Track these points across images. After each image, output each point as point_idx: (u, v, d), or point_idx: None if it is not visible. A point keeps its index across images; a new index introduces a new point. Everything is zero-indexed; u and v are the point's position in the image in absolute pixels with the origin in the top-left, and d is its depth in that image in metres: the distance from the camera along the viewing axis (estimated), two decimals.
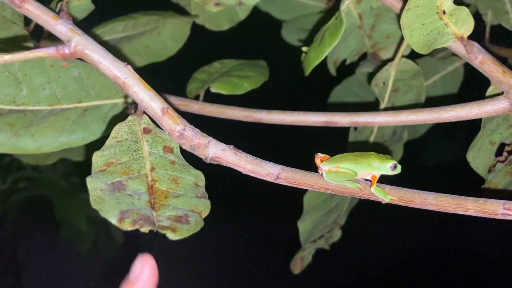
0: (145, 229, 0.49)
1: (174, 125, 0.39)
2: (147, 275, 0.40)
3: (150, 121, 0.45)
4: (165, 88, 0.73)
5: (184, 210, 0.51)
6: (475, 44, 0.57)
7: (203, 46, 0.99)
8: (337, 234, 0.88)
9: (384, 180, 0.48)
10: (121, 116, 0.57)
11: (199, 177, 0.50)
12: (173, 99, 0.62)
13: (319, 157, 0.46)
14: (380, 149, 0.69)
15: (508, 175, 0.73)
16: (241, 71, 0.73)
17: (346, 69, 0.90)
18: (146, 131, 0.45)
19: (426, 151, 1.58)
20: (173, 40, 0.86)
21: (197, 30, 0.86)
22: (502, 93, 0.55)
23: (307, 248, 0.84)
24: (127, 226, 0.48)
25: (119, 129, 0.44)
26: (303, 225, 0.76)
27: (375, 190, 0.44)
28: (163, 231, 0.50)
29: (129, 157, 0.46)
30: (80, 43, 0.39)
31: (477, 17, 1.03)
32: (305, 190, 0.74)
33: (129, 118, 0.44)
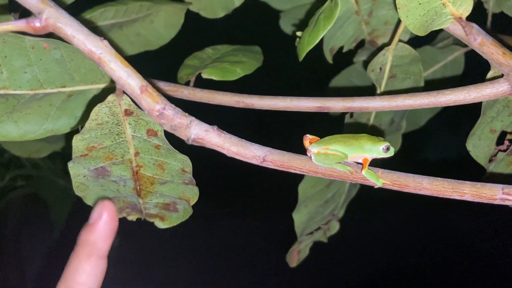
0: (132, 217, 0.47)
1: (153, 103, 0.38)
2: (105, 219, 0.39)
3: (131, 102, 0.43)
4: (158, 77, 0.71)
5: (171, 197, 0.49)
6: (474, 25, 0.55)
7: (198, 34, 0.97)
8: (335, 227, 0.86)
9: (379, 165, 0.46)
10: None
11: (185, 163, 0.48)
12: (162, 85, 0.60)
13: (307, 139, 0.44)
14: (374, 132, 0.67)
15: (510, 165, 0.71)
16: (234, 57, 0.71)
17: (344, 57, 0.88)
18: (127, 113, 0.43)
19: (428, 144, 1.56)
20: (167, 28, 0.84)
21: (192, 18, 0.84)
22: (502, 76, 0.53)
23: (304, 240, 0.82)
24: None
25: (99, 111, 0.43)
26: (299, 216, 0.74)
27: (367, 173, 0.42)
28: (151, 220, 0.48)
29: (112, 141, 0.44)
30: (52, 15, 0.37)
31: (478, 5, 1.01)
32: (300, 180, 0.72)
33: (108, 98, 0.42)
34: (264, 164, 0.40)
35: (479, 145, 0.67)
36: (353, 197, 0.87)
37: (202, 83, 0.68)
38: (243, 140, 0.40)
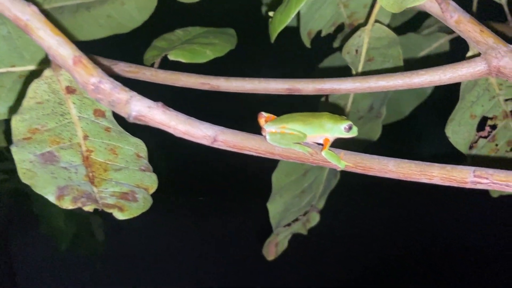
0: (88, 208, 0.44)
1: (87, 76, 0.34)
2: None
3: (72, 78, 0.39)
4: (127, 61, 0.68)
5: (128, 185, 0.46)
6: (451, 2, 0.52)
7: (173, 17, 0.94)
8: (315, 218, 0.83)
9: None
10: None
11: (139, 147, 0.45)
12: (122, 66, 0.57)
13: (263, 117, 0.41)
14: (337, 111, 0.64)
15: (492, 153, 0.68)
16: (205, 39, 0.68)
17: (326, 43, 0.85)
18: (69, 90, 0.40)
19: (416, 136, 1.53)
20: (139, 11, 0.80)
21: (167, 0, 0.81)
22: (479, 55, 0.50)
23: (281, 232, 0.79)
24: (67, 204, 0.44)
25: (37, 88, 0.39)
26: (274, 207, 0.71)
27: (327, 155, 0.39)
28: (109, 210, 0.45)
29: (56, 123, 0.41)
30: None
31: None
32: (274, 168, 0.69)
33: (45, 73, 0.39)
34: (216, 145, 0.37)
35: (458, 131, 0.65)
36: (334, 188, 0.84)
37: (170, 67, 0.65)
38: (192, 118, 0.37)
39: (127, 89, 0.35)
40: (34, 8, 0.33)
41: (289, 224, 0.78)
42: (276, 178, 0.68)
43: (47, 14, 0.72)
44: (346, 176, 0.85)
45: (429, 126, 1.40)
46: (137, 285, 1.38)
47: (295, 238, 0.83)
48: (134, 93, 0.35)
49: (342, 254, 1.27)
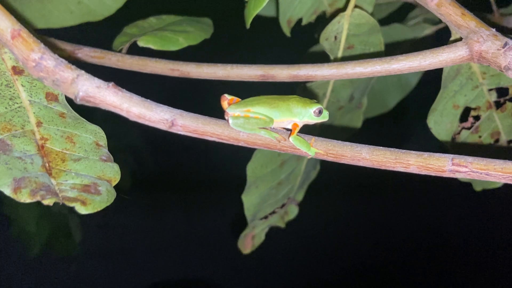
0: (48, 202, 0.41)
1: (27, 51, 0.31)
2: None
3: None
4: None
5: (89, 177, 0.43)
6: None
7: (149, 5, 0.90)
8: (293, 211, 0.81)
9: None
10: None
11: (98, 135, 0.42)
12: (87, 50, 0.54)
13: (226, 100, 0.38)
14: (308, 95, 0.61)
15: (475, 144, 0.66)
16: (178, 26, 0.65)
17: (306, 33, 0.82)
18: (17, 71, 0.37)
19: (407, 136, 1.51)
20: None
21: None
22: (461, 39, 0.47)
23: (258, 225, 0.76)
24: (25, 198, 0.41)
25: None
26: (249, 199, 0.68)
27: (295, 141, 0.37)
28: (70, 204, 0.42)
29: (6, 108, 0.38)
30: None
31: None
32: (249, 159, 0.66)
33: None
34: (174, 130, 0.34)
35: (441, 121, 0.63)
36: (314, 180, 0.82)
37: (141, 55, 0.62)
38: (148, 100, 0.34)
39: (73, 66, 0.32)
40: None
41: (266, 217, 0.76)
42: (251, 169, 0.66)
43: None
44: (327, 168, 0.82)
45: (414, 119, 1.38)
46: (114, 284, 1.35)
47: (273, 231, 0.80)
48: (82, 72, 0.32)
49: (321, 247, 1.25)
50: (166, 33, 0.62)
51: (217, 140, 0.36)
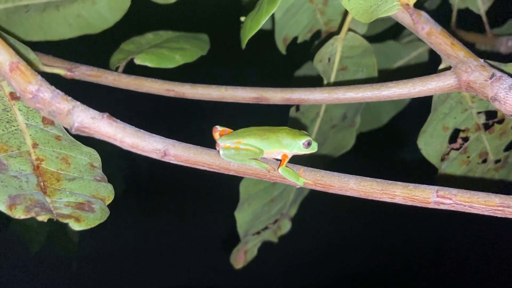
0: (43, 218, 0.42)
1: (25, 84, 0.32)
2: None
3: None
4: (98, 65, 0.65)
5: (84, 195, 0.45)
6: (423, 13, 0.50)
7: (147, 19, 0.91)
8: (286, 226, 0.82)
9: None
10: None
11: (93, 157, 0.43)
12: (84, 69, 0.54)
13: (217, 131, 0.39)
14: (298, 126, 0.62)
15: (463, 165, 0.67)
16: (175, 43, 0.66)
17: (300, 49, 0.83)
18: (14, 97, 0.38)
19: (399, 150, 1.53)
20: (111, 11, 0.78)
21: (140, 1, 0.79)
22: (450, 68, 0.49)
23: (250, 240, 0.77)
24: (19, 214, 0.42)
25: None
26: (241, 215, 0.69)
27: (284, 172, 0.38)
28: (64, 220, 0.43)
29: (3, 130, 0.39)
30: None
31: (445, 1, 0.98)
32: (241, 178, 0.67)
33: None
34: (166, 159, 0.35)
35: (431, 142, 0.64)
36: (307, 195, 0.83)
37: (139, 73, 0.63)
38: (141, 130, 0.35)
39: (69, 98, 0.33)
40: None
41: (258, 232, 0.77)
42: (244, 187, 0.67)
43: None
44: None
45: (406, 134, 1.40)
46: (113, 286, 1.36)
47: (265, 246, 0.81)
48: (77, 103, 0.33)
49: (314, 261, 1.26)
50: (163, 50, 0.63)
51: (208, 169, 0.37)
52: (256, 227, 0.74)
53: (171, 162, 0.36)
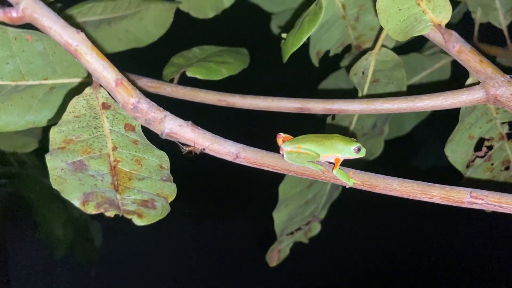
0: (110, 213, 0.47)
1: (128, 97, 0.38)
2: None
3: (108, 96, 0.43)
4: (144, 74, 0.72)
5: (149, 194, 0.50)
6: (453, 32, 0.56)
7: (187, 33, 0.98)
8: (316, 228, 0.87)
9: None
10: None
11: (163, 159, 0.49)
12: (145, 81, 0.61)
13: (281, 137, 0.45)
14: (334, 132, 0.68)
15: (487, 171, 0.72)
16: (220, 57, 0.72)
17: (334, 62, 0.89)
18: (105, 106, 0.43)
19: (417, 152, 1.57)
20: (156, 26, 0.84)
21: (182, 17, 0.85)
22: (479, 83, 0.54)
23: (284, 240, 0.82)
24: (91, 210, 0.47)
25: (76, 103, 0.43)
26: (279, 216, 0.75)
27: (337, 173, 0.43)
28: (129, 216, 0.48)
29: (89, 135, 0.45)
30: (29, 6, 0.37)
31: (467, 15, 1.02)
32: (281, 180, 0.73)
33: (86, 91, 0.43)
34: (237, 161, 0.41)
35: (457, 150, 0.69)
36: (336, 199, 0.88)
37: (187, 82, 0.69)
38: (217, 136, 0.40)
39: (161, 109, 0.39)
40: (82, 35, 0.37)
41: (291, 233, 0.82)
42: (283, 189, 0.72)
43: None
44: (348, 189, 0.88)
45: (428, 142, 1.44)
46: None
47: (297, 246, 0.86)
48: (167, 113, 0.39)
49: (341, 263, 1.31)
50: (211, 64, 0.69)
51: (271, 170, 0.43)
52: (291, 227, 0.79)
53: (240, 163, 0.41)
